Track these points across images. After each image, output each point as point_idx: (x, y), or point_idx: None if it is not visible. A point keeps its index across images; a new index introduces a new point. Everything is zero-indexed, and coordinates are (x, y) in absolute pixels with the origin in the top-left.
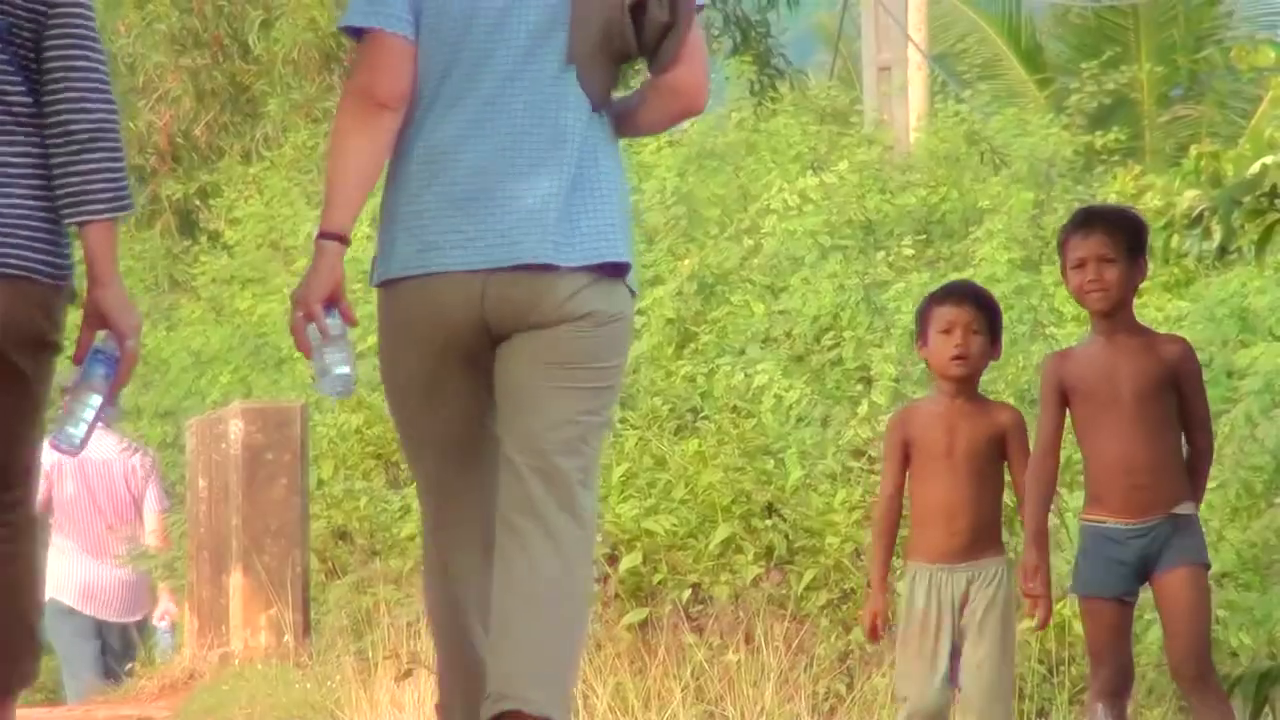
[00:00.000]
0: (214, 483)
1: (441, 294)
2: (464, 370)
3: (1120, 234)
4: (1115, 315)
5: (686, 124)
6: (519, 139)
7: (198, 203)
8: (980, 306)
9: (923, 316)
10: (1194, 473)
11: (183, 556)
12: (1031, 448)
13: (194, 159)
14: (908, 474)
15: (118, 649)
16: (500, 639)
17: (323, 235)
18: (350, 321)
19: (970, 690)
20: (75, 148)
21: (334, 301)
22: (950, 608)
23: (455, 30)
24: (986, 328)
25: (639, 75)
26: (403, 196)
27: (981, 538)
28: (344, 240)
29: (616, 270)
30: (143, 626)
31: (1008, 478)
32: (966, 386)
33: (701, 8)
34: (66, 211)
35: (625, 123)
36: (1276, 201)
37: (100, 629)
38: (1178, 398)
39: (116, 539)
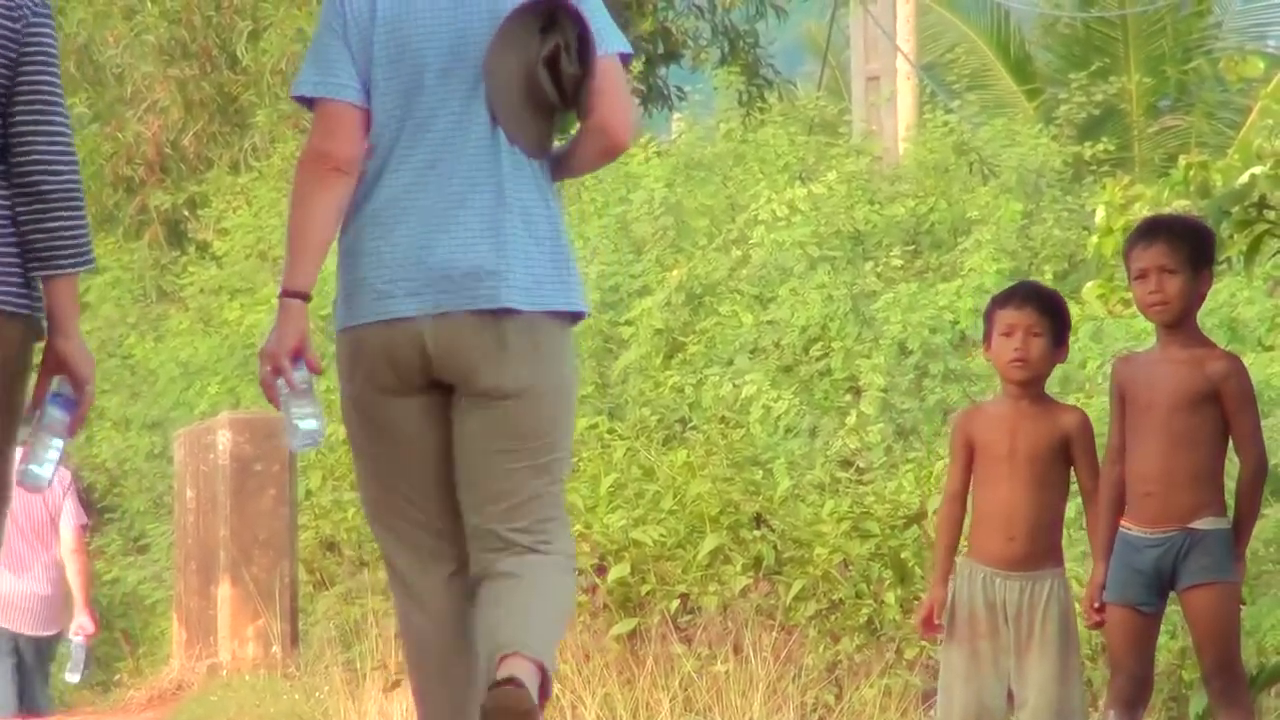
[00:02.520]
0: (202, 493)
1: (396, 340)
2: (420, 410)
3: (1183, 244)
4: (1177, 327)
5: (675, 134)
6: (464, 194)
7: (186, 213)
8: (1043, 309)
9: (987, 318)
10: (1240, 491)
11: (170, 567)
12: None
13: (182, 169)
14: (971, 475)
15: (32, 664)
16: (494, 618)
17: (286, 294)
18: (316, 371)
19: (1035, 706)
20: (43, 207)
21: (300, 354)
22: (1002, 614)
23: (404, 92)
24: (1050, 330)
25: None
26: (359, 247)
27: (1039, 547)
28: (306, 298)
29: (573, 319)
30: (57, 641)
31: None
32: (1030, 389)
33: (628, 57)
34: (33, 265)
35: (559, 166)
36: (1265, 212)
37: (17, 644)
38: (1223, 415)
39: (35, 553)
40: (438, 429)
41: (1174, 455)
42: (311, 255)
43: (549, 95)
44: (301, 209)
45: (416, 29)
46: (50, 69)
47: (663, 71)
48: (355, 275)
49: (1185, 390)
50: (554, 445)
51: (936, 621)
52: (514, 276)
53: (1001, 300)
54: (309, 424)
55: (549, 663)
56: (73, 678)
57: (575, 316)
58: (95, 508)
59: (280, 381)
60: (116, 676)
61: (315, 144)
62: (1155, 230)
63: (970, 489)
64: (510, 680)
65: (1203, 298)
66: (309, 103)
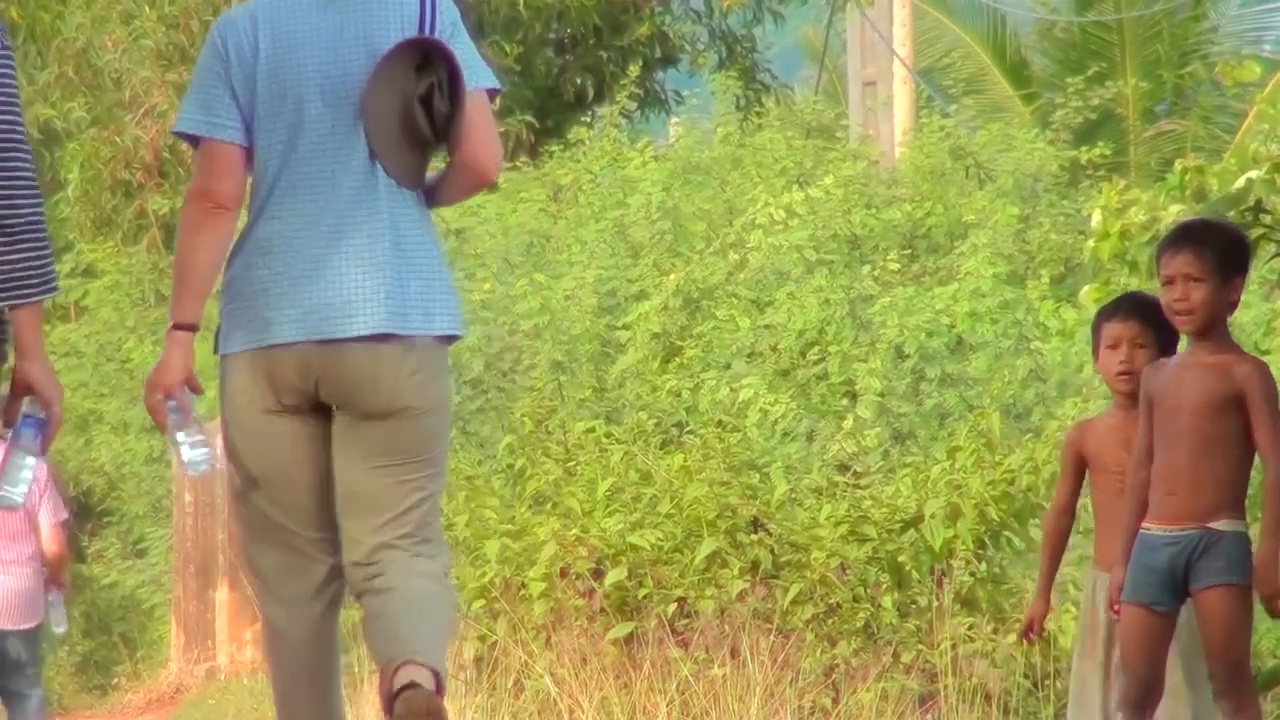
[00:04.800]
0: (200, 497)
1: (278, 364)
2: (301, 429)
3: (1210, 252)
4: (1206, 333)
5: (673, 138)
6: (344, 225)
7: None
8: (1147, 320)
9: (1095, 331)
10: (1265, 496)
11: (168, 571)
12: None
13: (180, 174)
14: (1085, 486)
15: (22, 658)
16: (382, 630)
17: (175, 327)
18: (197, 391)
19: (1166, 708)
20: (8, 241)
21: (187, 382)
22: None
23: (286, 127)
24: (1155, 341)
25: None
26: (244, 276)
27: None
28: (195, 329)
29: (448, 340)
30: (40, 631)
31: None
32: (1137, 401)
33: (496, 93)
34: (0, 295)
35: (431, 197)
36: (1261, 216)
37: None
38: (1249, 419)
39: (11, 550)
40: (317, 446)
41: (1199, 459)
42: (199, 290)
43: (423, 130)
44: (188, 246)
45: (298, 67)
46: (11, 106)
47: (660, 75)
48: (239, 303)
49: (1210, 395)
50: (431, 461)
51: (1034, 637)
52: (391, 304)
53: (1107, 313)
54: (199, 451)
55: (440, 667)
56: (59, 629)
57: (450, 339)
58: (94, 511)
59: (170, 408)
60: (114, 680)
61: (199, 182)
62: (1183, 237)
63: (1087, 498)
64: (409, 685)
65: (1234, 305)
66: (192, 140)
